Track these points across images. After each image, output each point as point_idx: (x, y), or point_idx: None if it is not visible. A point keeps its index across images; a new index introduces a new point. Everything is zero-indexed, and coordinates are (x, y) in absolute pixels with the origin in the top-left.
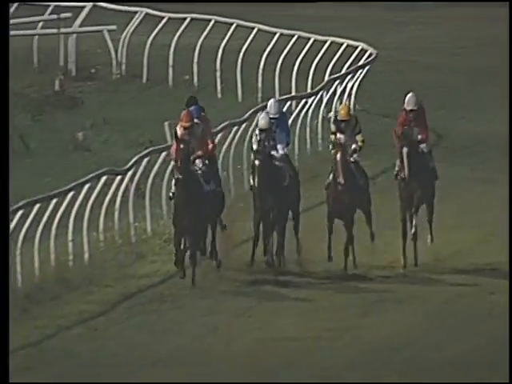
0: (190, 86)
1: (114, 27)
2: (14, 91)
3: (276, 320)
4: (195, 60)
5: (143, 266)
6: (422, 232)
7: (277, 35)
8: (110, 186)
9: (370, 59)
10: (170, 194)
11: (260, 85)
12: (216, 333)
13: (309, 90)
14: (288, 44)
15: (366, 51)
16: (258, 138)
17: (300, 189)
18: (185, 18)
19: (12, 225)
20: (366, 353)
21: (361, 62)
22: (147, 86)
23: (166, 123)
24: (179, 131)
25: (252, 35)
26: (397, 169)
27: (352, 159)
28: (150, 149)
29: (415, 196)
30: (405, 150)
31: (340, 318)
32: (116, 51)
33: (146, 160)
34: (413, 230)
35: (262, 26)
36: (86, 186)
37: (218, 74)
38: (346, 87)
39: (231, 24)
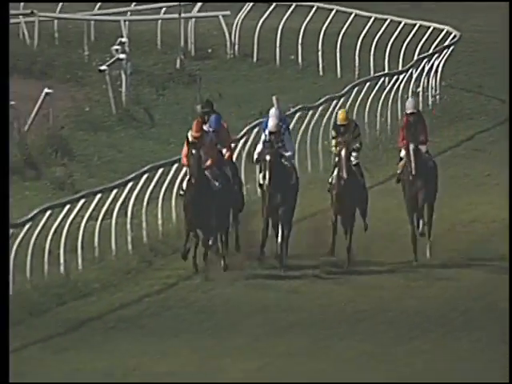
0: (295, 65)
1: (228, 12)
2: (141, 69)
3: (369, 273)
4: (300, 41)
5: (254, 223)
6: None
7: (371, 19)
8: None
9: (454, 40)
10: (181, 192)
11: (357, 63)
12: (312, 286)
13: (400, 68)
14: (381, 27)
15: (450, 33)
16: (268, 139)
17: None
18: (290, 5)
19: (138, 187)
20: (450, 300)
21: (446, 43)
22: (257, 65)
23: (274, 97)
24: (190, 139)
25: (350, 19)
26: (399, 171)
27: (352, 160)
28: (259, 120)
29: (420, 196)
30: (411, 146)
31: (425, 272)
32: (230, 34)
33: (255, 130)
34: (420, 230)
35: (358, 11)
36: None
37: (320, 54)
38: (432, 65)
39: (331, 10)
